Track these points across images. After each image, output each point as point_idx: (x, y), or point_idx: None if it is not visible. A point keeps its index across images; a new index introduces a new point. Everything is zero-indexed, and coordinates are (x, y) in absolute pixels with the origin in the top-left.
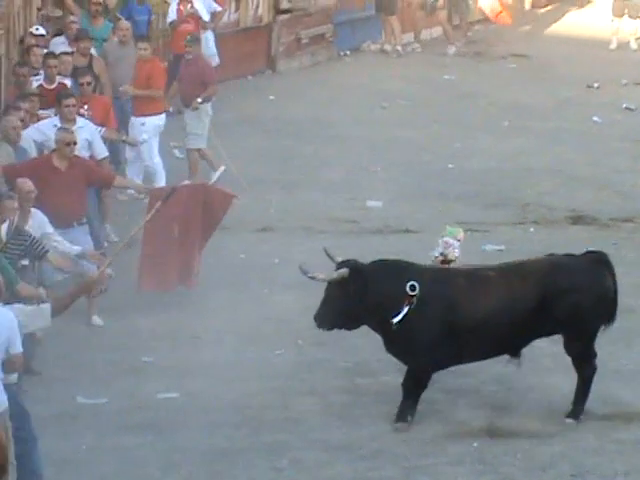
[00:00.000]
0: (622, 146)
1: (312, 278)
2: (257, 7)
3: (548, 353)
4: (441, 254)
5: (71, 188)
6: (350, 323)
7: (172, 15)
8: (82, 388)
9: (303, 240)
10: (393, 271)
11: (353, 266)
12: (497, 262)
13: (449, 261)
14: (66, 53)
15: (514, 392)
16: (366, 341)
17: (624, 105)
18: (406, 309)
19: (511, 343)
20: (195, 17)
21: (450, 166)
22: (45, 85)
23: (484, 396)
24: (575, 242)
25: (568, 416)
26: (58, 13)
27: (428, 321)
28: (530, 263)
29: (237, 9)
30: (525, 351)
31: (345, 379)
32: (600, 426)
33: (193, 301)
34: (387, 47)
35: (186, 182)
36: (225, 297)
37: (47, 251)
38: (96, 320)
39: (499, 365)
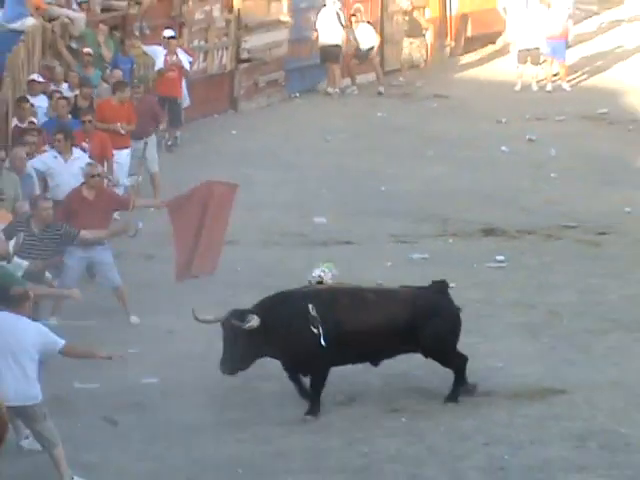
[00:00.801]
0: (526, 171)
1: (204, 322)
2: (222, 57)
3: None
4: (319, 276)
5: (98, 214)
6: (252, 361)
7: (160, 64)
8: (78, 375)
9: (261, 251)
10: (289, 302)
11: (254, 312)
12: (421, 269)
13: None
14: (63, 98)
15: (437, 376)
16: None
17: (527, 136)
18: (322, 329)
19: (382, 353)
20: (178, 66)
21: (383, 188)
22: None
23: (412, 380)
24: (487, 251)
25: (447, 400)
26: (55, 63)
27: (319, 336)
28: (400, 290)
29: (205, 59)
30: None
31: None
32: (510, 403)
33: (171, 302)
34: (329, 90)
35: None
36: (197, 299)
37: (79, 231)
38: (134, 319)
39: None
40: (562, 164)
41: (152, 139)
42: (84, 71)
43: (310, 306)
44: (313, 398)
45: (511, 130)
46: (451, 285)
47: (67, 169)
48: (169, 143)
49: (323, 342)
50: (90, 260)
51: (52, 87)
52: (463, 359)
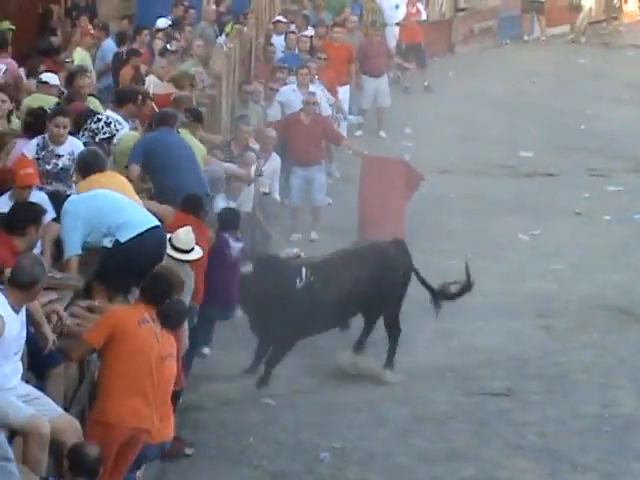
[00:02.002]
0: None
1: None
2: (441, 6)
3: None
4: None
5: (309, 138)
6: None
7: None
8: None
9: (473, 180)
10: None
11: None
12: (616, 200)
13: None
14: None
15: (627, 295)
16: None
17: None
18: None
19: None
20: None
21: (582, 127)
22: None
23: (604, 299)
24: None
25: (385, 367)
26: (295, 8)
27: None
28: (360, 250)
29: (426, 7)
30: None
31: None
32: None
33: None
34: (525, 37)
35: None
36: (414, 220)
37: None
38: (313, 235)
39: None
40: None
41: (384, 77)
42: (317, 14)
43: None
44: (268, 365)
45: None
46: None
47: None
48: (425, 84)
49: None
50: (309, 177)
51: (292, 28)
52: (400, 330)
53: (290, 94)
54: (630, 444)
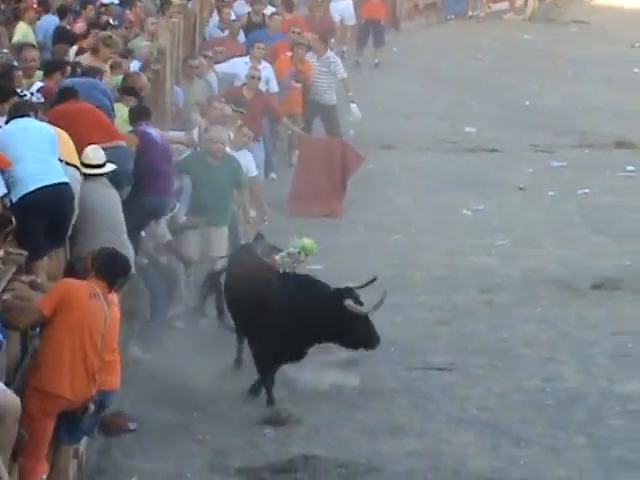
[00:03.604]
0: None
1: None
2: None
3: None
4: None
5: (251, 113)
6: None
7: None
8: None
9: (416, 155)
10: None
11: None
12: (559, 176)
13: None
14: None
15: (569, 270)
16: None
17: None
18: None
19: None
20: None
21: (527, 103)
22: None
23: (547, 273)
24: (619, 161)
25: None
26: None
27: None
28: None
29: None
30: None
31: None
32: (635, 297)
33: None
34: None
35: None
36: (359, 195)
37: None
38: None
39: None
40: None
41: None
42: None
43: None
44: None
45: None
46: (585, 190)
47: None
48: (376, 61)
49: None
50: None
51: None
52: None
53: (242, 66)
54: (573, 418)
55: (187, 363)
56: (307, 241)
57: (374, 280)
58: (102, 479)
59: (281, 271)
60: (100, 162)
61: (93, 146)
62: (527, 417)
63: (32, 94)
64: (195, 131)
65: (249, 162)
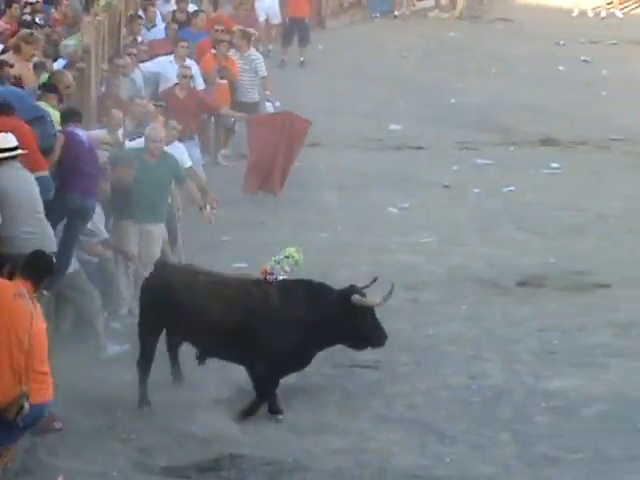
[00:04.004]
0: (579, 88)
1: None
2: None
3: None
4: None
5: (186, 113)
6: None
7: None
8: None
9: (341, 153)
10: None
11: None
12: (485, 173)
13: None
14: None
15: (495, 269)
16: None
17: (582, 58)
18: None
19: None
20: None
21: (452, 100)
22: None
23: (473, 271)
24: (543, 159)
25: None
26: None
27: None
28: None
29: None
30: None
31: None
32: (560, 294)
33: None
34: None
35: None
36: (285, 194)
37: None
38: None
39: None
40: (612, 84)
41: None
42: None
43: None
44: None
45: (567, 52)
46: (511, 188)
47: None
48: (302, 60)
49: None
50: None
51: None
52: None
53: (167, 65)
54: (498, 415)
55: (115, 362)
56: (292, 249)
57: (375, 280)
58: (27, 479)
59: (278, 278)
60: (11, 145)
61: (2, 134)
62: (452, 414)
63: None
64: (120, 131)
65: (182, 154)
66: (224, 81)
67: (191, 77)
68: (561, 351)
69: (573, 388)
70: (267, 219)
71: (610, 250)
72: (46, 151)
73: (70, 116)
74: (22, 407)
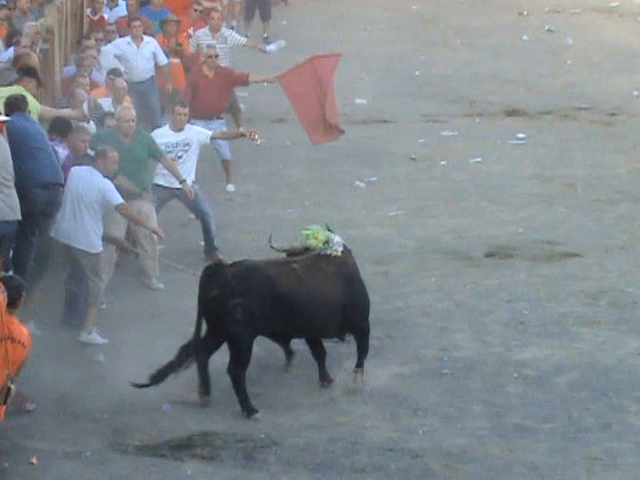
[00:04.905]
0: (544, 58)
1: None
2: None
3: None
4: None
5: (217, 89)
6: None
7: None
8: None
9: None
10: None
11: None
12: (451, 145)
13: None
14: None
15: (463, 240)
16: None
17: (546, 27)
18: None
19: None
20: None
21: (417, 73)
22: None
23: (442, 243)
24: (510, 129)
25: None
26: None
27: None
28: None
29: None
30: None
31: None
32: (529, 265)
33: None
34: None
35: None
36: (252, 169)
37: None
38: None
39: None
40: (577, 52)
41: None
42: None
43: None
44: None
45: (531, 21)
46: (477, 159)
47: (139, 53)
48: (265, 35)
49: None
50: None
51: None
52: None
53: (125, 46)
54: (469, 386)
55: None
56: (314, 227)
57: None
58: (1, 460)
59: (339, 249)
60: None
61: None
62: (424, 387)
63: None
64: (85, 105)
65: (199, 132)
66: (176, 60)
67: (216, 56)
68: (531, 321)
69: (544, 358)
70: (234, 195)
71: (579, 219)
72: None
73: (14, 108)
74: (9, 389)
